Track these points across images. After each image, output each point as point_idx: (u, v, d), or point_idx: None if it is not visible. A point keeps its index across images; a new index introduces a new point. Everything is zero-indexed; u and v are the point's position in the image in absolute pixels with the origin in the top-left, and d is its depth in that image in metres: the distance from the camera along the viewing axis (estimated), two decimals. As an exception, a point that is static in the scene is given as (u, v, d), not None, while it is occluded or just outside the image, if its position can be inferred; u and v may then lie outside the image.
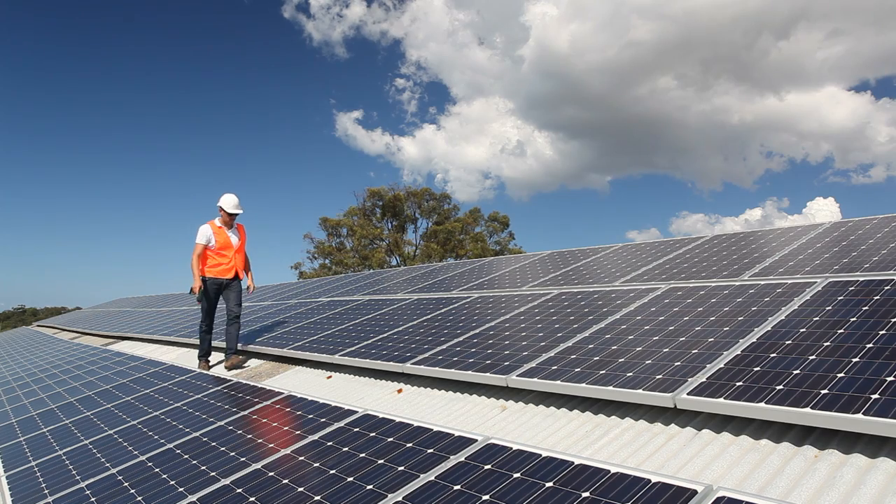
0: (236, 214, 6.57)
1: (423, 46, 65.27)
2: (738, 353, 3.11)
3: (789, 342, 3.09)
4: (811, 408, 2.37)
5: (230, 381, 4.80)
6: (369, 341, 5.54)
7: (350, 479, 2.43)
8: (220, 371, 6.58)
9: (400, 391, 4.47)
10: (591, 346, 3.83)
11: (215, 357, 7.37)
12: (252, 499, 2.48)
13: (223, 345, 6.81)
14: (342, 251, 34.25)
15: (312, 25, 60.19)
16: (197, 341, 8.54)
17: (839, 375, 2.59)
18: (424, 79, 60.95)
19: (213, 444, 3.34)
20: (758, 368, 2.87)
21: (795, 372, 2.73)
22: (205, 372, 5.45)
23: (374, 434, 2.84)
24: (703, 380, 2.89)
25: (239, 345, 6.79)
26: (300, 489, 2.45)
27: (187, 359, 8.00)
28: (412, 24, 63.34)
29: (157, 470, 3.16)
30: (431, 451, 2.49)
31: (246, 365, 6.60)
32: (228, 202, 6.53)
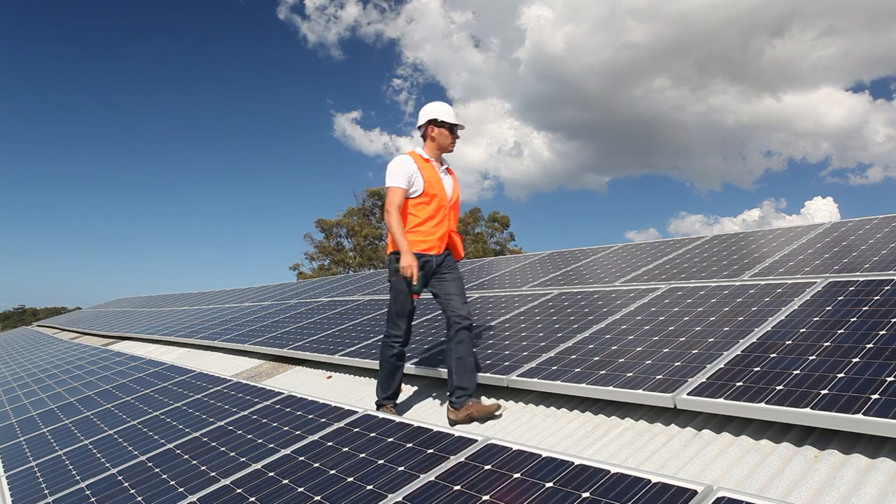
0: (458, 131, 3.75)
1: (420, 48, 65.39)
2: (738, 353, 3.11)
3: (789, 342, 3.09)
4: (811, 408, 2.37)
5: (230, 381, 4.80)
6: (369, 341, 5.54)
7: (350, 479, 2.43)
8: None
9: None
10: (591, 347, 3.83)
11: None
12: (252, 499, 2.48)
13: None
14: (341, 251, 34.27)
15: (307, 27, 60.25)
16: (200, 341, 8.51)
17: (839, 376, 2.59)
18: (421, 80, 61.07)
19: (213, 444, 3.34)
20: (758, 368, 2.87)
21: (795, 372, 2.73)
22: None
23: (374, 434, 2.84)
24: (703, 380, 2.89)
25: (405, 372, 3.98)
26: (300, 489, 2.45)
27: (187, 359, 8.00)
28: (408, 26, 63.44)
29: (157, 470, 3.16)
30: (431, 451, 2.49)
31: (497, 413, 3.50)
32: (444, 110, 3.68)
